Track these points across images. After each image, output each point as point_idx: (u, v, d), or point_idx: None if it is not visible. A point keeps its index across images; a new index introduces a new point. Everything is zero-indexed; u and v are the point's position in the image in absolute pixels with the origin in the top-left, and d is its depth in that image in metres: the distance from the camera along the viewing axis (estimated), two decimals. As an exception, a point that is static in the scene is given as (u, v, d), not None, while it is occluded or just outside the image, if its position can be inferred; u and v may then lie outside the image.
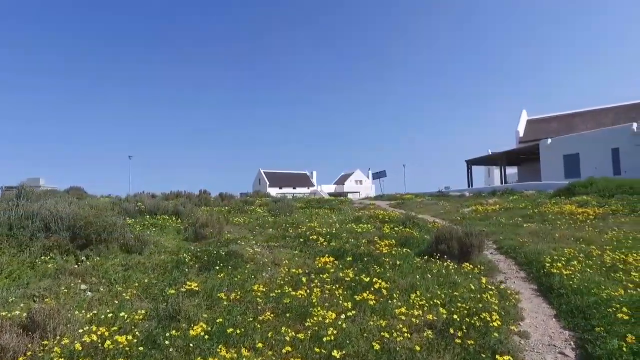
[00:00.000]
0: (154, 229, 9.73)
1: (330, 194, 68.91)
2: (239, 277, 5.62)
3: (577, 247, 7.23)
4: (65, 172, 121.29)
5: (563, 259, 6.14)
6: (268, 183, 75.52)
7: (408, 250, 7.30)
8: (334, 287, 5.12)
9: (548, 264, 5.93)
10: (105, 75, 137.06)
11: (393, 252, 7.10)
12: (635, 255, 6.43)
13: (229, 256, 7.25)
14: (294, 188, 75.78)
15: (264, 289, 4.93)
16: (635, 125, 21.78)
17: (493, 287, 5.15)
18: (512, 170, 41.14)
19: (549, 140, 27.14)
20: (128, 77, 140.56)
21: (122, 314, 4.18)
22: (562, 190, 16.13)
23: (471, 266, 6.16)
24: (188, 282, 5.19)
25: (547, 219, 10.64)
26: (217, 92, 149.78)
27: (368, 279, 5.29)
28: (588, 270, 5.56)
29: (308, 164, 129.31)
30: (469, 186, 33.79)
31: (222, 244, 8.26)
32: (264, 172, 77.73)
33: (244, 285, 5.32)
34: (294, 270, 6.03)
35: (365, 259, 6.64)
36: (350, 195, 62.24)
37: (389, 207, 19.57)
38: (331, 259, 6.54)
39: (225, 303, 4.60)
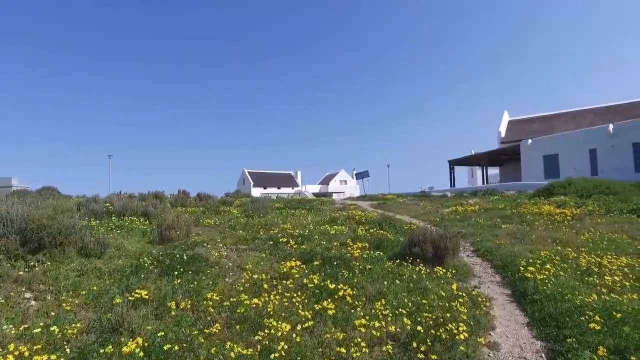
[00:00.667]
0: (119, 231, 9.21)
1: (314, 194, 68.62)
2: (195, 283, 5.22)
3: (554, 249, 7.07)
4: (46, 172, 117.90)
5: (538, 262, 5.93)
6: (252, 183, 74.78)
7: (381, 253, 7.01)
8: (295, 295, 4.77)
9: (523, 268, 5.71)
10: (90, 74, 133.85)
11: (365, 255, 6.79)
12: (609, 257, 6.28)
13: (193, 260, 6.87)
14: (278, 188, 75.21)
15: (218, 298, 4.54)
16: (611, 126, 22.10)
17: (465, 294, 4.87)
18: (494, 171, 41.57)
19: (530, 141, 27.39)
20: (113, 75, 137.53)
21: (53, 328, 3.74)
22: (542, 190, 16.16)
23: (444, 270, 5.90)
24: (138, 290, 4.77)
25: (525, 220, 10.52)
26: (207, 92, 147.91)
27: (333, 285, 4.97)
28: (562, 274, 5.35)
29: (293, 165, 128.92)
30: (451, 186, 33.94)
31: (189, 247, 7.84)
32: (248, 172, 76.94)
33: (201, 293, 4.93)
34: (256, 275, 5.67)
35: (335, 263, 6.33)
36: (335, 196, 62.13)
37: (370, 207, 19.34)
38: (298, 263, 6.20)
39: (174, 313, 4.20)
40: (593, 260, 5.93)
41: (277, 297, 4.62)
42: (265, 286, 5.13)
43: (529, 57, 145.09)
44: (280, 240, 7.93)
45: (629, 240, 7.89)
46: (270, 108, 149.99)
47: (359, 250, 7.01)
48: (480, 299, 4.89)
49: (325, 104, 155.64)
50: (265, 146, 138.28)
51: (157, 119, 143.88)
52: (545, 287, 4.81)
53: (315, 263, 6.20)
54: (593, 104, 33.39)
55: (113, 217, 10.30)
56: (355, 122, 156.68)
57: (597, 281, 5.02)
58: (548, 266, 5.59)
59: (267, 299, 4.56)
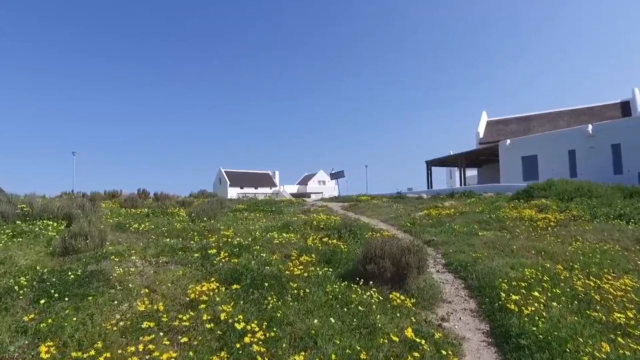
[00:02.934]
0: (19, 239, 7.49)
1: (292, 195, 67.00)
2: (66, 316, 3.67)
3: (539, 264, 5.82)
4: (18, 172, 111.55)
5: (523, 284, 4.63)
6: (229, 183, 72.55)
7: (329, 270, 5.59)
8: (186, 339, 3.30)
9: (504, 294, 4.38)
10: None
11: (308, 273, 5.35)
12: (608, 277, 5.05)
13: (90, 278, 5.33)
14: (255, 188, 73.20)
15: (74, 343, 3.04)
16: (590, 127, 21.46)
17: (425, 339, 3.48)
18: (473, 172, 40.97)
19: (508, 141, 26.63)
20: (89, 70, 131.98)
21: None
22: (521, 193, 15.13)
23: (403, 297, 4.51)
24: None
25: (505, 226, 9.32)
26: (180, 89, 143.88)
27: (242, 325, 3.50)
28: (555, 304, 4.04)
29: (272, 165, 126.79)
30: (428, 188, 32.98)
31: (97, 259, 6.29)
32: (225, 172, 74.59)
33: (63, 332, 3.45)
34: (151, 306, 4.16)
35: (267, 284, 4.88)
36: (313, 196, 60.71)
37: (340, 209, 17.98)
38: (215, 285, 4.71)
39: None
40: (591, 283, 4.66)
41: (150, 346, 3.13)
42: (149, 324, 3.63)
43: (510, 57, 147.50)
44: (210, 251, 6.41)
45: (623, 252, 6.75)
46: (250, 107, 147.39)
47: (301, 267, 5.56)
48: (448, 342, 3.53)
49: (304, 104, 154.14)
50: (244, 145, 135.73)
51: (137, 117, 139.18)
52: (534, 327, 3.47)
53: (236, 286, 4.72)
54: (570, 106, 33.08)
55: (18, 222, 8.52)
56: (335, 123, 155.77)
57: (603, 316, 3.73)
58: (536, 293, 4.27)
59: (142, 347, 3.08)
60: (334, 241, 6.87)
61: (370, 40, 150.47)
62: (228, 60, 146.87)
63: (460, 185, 31.72)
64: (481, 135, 34.28)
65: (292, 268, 5.48)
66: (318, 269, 5.63)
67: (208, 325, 3.56)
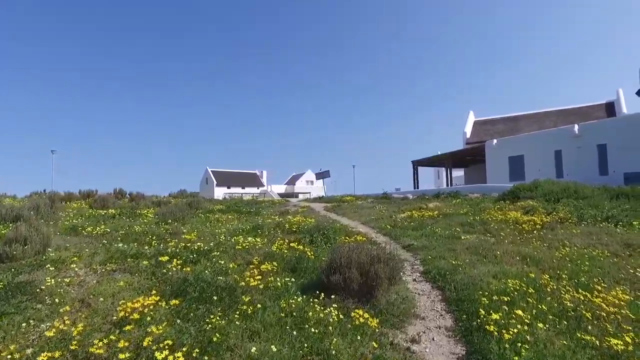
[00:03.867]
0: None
1: (280, 195, 66.29)
2: None
3: (524, 273, 5.29)
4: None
5: (505, 299, 4.07)
6: (215, 182, 71.39)
7: (291, 280, 4.97)
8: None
9: (484, 310, 3.81)
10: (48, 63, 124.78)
11: (267, 284, 4.73)
12: (599, 289, 4.54)
13: (15, 291, 4.68)
14: (243, 188, 72.23)
15: None
16: (576, 127, 21.23)
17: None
18: (460, 173, 40.78)
19: (495, 141, 26.35)
20: (76, 67, 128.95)
21: None
22: (507, 194, 14.72)
23: (368, 315, 3.90)
24: None
25: (489, 229, 8.82)
26: (172, 88, 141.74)
27: (163, 355, 2.86)
28: (541, 326, 3.48)
29: (261, 164, 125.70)
30: (415, 188, 32.60)
31: (32, 268, 5.61)
32: (212, 171, 73.38)
33: None
34: (68, 327, 3.50)
35: (216, 297, 4.26)
36: (301, 196, 60.10)
37: (323, 210, 17.39)
38: (155, 299, 4.05)
39: None
40: (580, 296, 4.12)
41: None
42: (56, 355, 2.97)
43: (498, 57, 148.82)
44: (161, 258, 5.73)
45: (613, 258, 6.28)
46: (238, 107, 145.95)
47: (259, 277, 4.92)
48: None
49: (293, 103, 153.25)
50: (233, 145, 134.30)
51: (122, 115, 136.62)
52: (516, 357, 2.90)
53: (177, 301, 4.07)
54: (557, 106, 33.07)
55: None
56: (325, 122, 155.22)
57: (596, 340, 3.18)
58: (519, 312, 3.69)
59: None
60: (301, 247, 6.23)
61: (360, 39, 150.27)
62: (220, 59, 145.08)
63: (447, 185, 31.41)
64: (468, 135, 34.05)
65: (248, 278, 4.84)
66: (279, 279, 5.00)
67: (122, 356, 2.90)
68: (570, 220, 9.07)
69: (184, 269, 5.37)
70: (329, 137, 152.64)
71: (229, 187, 70.77)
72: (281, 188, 76.10)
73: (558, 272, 5.52)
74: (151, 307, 4.01)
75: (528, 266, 5.99)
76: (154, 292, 4.44)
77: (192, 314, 3.92)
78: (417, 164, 34.13)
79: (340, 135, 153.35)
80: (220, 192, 65.08)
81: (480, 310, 3.82)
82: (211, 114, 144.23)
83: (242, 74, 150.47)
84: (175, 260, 5.69)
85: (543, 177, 17.20)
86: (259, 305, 4.06)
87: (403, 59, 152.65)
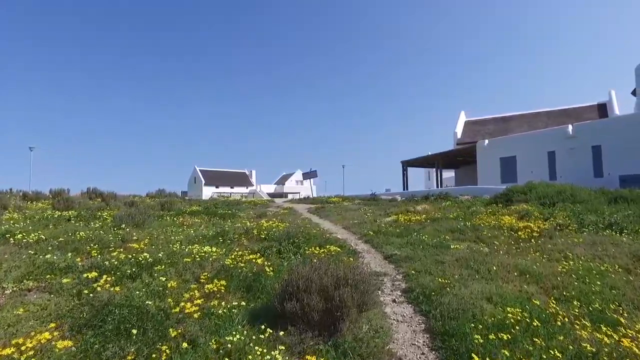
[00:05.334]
0: None
1: (269, 194, 65.17)
2: None
3: (525, 295, 4.41)
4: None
5: (505, 337, 3.15)
6: (204, 182, 69.97)
7: (241, 305, 4.00)
8: None
9: (477, 356, 2.89)
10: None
11: (209, 310, 3.76)
12: (623, 320, 3.65)
13: None
14: (231, 187, 70.94)
15: None
16: (570, 127, 20.58)
17: None
18: (450, 174, 40.13)
19: (486, 141, 25.64)
20: (60, 61, 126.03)
21: None
22: (499, 196, 13.93)
23: (328, 357, 2.95)
24: None
25: (481, 236, 7.95)
26: (165, 86, 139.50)
27: None
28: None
29: (252, 164, 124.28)
30: (404, 189, 31.79)
31: None
32: (200, 170, 71.91)
33: None
34: None
35: (136, 330, 3.28)
36: (290, 196, 59.04)
37: (306, 211, 16.45)
38: (52, 334, 3.07)
39: None
40: (601, 336, 3.21)
41: None
42: None
43: (488, 58, 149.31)
44: (87, 275, 4.72)
45: (625, 274, 5.42)
46: (228, 106, 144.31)
47: (201, 301, 3.95)
48: None
49: (284, 102, 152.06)
50: (222, 144, 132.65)
51: (111, 113, 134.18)
52: None
53: (88, 335, 3.10)
54: (548, 107, 32.57)
55: None
56: (317, 122, 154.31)
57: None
58: (520, 356, 2.77)
59: None
60: (260, 260, 5.25)
61: (351, 40, 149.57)
62: (212, 58, 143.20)
63: (437, 186, 30.68)
64: (459, 136, 33.37)
65: (184, 303, 3.86)
66: (225, 303, 4.03)
67: None
68: (570, 227, 8.25)
69: (114, 289, 4.37)
70: (321, 137, 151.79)
71: (217, 187, 69.42)
72: (270, 188, 74.95)
73: (564, 293, 4.65)
74: (47, 344, 3.04)
75: (528, 284, 5.13)
76: (53, 324, 3.45)
77: (96, 357, 2.95)
78: (407, 164, 33.31)
79: (332, 135, 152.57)
80: (209, 192, 63.70)
81: (473, 356, 2.89)
82: (204, 112, 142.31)
83: (236, 73, 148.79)
84: (106, 276, 4.69)
85: (536, 179, 16.47)
86: (184, 345, 3.09)
87: (396, 60, 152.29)
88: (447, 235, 8.35)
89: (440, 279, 5.04)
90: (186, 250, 6.11)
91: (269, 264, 5.20)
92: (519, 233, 7.87)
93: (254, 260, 5.29)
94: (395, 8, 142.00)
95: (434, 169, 34.28)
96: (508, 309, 3.80)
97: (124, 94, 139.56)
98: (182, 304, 3.87)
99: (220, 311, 3.84)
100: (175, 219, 10.32)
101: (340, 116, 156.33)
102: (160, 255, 5.84)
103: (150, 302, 3.92)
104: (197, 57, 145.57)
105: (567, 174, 19.67)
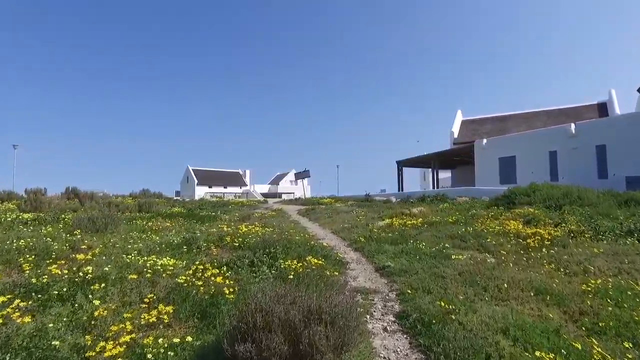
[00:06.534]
0: None
1: (263, 194, 64.11)
2: None
3: (550, 326, 3.50)
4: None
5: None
6: (197, 181, 68.81)
7: (185, 342, 3.05)
8: None
9: None
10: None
11: (140, 349, 2.81)
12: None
13: None
14: (225, 187, 69.81)
15: None
16: (573, 126, 19.77)
17: None
18: (447, 174, 39.31)
19: (485, 141, 24.81)
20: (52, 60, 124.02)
21: None
22: (501, 198, 13.06)
23: None
24: None
25: (485, 244, 7.05)
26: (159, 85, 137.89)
27: None
28: None
29: (246, 163, 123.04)
30: (399, 190, 30.90)
31: None
32: (193, 170, 70.71)
33: None
34: None
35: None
36: (284, 196, 58.03)
37: (296, 213, 15.51)
38: None
39: None
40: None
41: None
42: None
43: (486, 58, 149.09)
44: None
45: (662, 294, 4.52)
46: (223, 106, 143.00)
47: (130, 337, 3.00)
48: None
49: (280, 102, 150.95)
50: (217, 144, 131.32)
51: (104, 112, 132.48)
52: None
53: None
54: (546, 106, 31.85)
55: None
56: (311, 122, 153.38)
57: None
58: None
59: None
60: (220, 278, 4.27)
61: (347, 41, 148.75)
62: (208, 57, 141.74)
63: (433, 187, 29.83)
64: (455, 135, 32.56)
65: (104, 344, 2.89)
66: (161, 340, 3.06)
67: None
68: (585, 234, 7.36)
69: (23, 319, 3.39)
70: (316, 137, 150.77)
71: (210, 187, 68.26)
72: (264, 188, 73.91)
73: (594, 319, 3.76)
74: None
75: (547, 306, 4.23)
76: None
77: None
78: (402, 164, 32.44)
79: (328, 135, 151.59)
80: (201, 192, 62.51)
81: None
82: (202, 112, 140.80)
83: (235, 73, 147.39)
84: (19, 301, 3.71)
85: (536, 179, 15.64)
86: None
87: (391, 60, 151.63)
88: (446, 242, 7.43)
89: (442, 302, 4.10)
90: (140, 262, 5.13)
91: (231, 282, 4.23)
92: (528, 241, 6.97)
93: (213, 278, 4.32)
94: (392, 9, 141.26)
95: (430, 169, 33.44)
96: (535, 352, 2.87)
97: (125, 94, 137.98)
98: (102, 343, 2.91)
99: (155, 351, 2.88)
100: (147, 222, 9.32)
101: (336, 116, 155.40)
102: (107, 269, 4.87)
103: (57, 342, 2.95)
104: (197, 58, 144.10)
105: (569, 174, 18.87)
